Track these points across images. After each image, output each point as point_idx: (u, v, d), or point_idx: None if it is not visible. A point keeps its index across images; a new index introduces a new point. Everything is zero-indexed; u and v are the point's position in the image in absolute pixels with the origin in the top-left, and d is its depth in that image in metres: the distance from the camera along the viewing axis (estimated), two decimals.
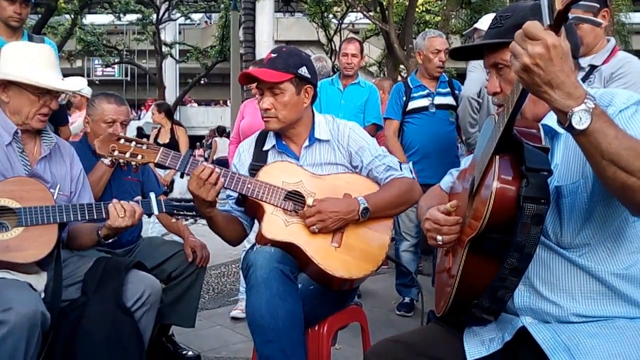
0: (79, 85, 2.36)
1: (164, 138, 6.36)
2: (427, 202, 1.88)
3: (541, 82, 1.12)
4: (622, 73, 2.70)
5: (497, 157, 1.31)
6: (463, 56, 1.65)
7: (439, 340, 1.55)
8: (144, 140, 2.14)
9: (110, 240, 2.29)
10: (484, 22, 3.64)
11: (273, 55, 2.19)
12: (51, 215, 2.12)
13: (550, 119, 1.43)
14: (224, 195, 2.34)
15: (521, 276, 1.32)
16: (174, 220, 3.05)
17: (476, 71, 3.56)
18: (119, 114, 2.83)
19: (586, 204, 1.36)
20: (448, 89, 4.06)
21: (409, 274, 3.90)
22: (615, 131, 1.14)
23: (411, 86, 4.07)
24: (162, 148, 2.11)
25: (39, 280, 2.13)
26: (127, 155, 2.06)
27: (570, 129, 1.12)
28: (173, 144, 6.18)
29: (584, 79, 2.64)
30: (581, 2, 1.06)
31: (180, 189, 5.99)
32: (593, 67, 2.69)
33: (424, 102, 4.00)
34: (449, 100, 4.01)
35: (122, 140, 2.08)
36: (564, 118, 1.13)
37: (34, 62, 2.25)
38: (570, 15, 1.10)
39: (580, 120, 1.11)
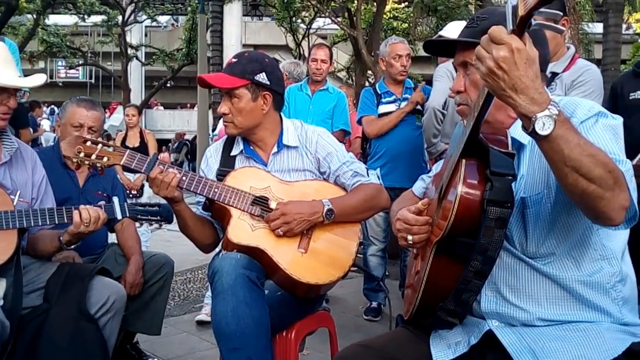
0: (37, 81, 2.28)
1: (134, 142, 6.32)
2: (400, 206, 1.89)
3: (505, 87, 1.13)
4: (582, 81, 2.76)
5: (464, 160, 1.33)
6: (436, 51, 1.70)
7: (406, 345, 1.55)
8: (111, 142, 2.11)
9: (72, 247, 2.24)
10: (449, 30, 3.68)
11: (234, 60, 2.19)
12: (10, 221, 2.07)
13: (515, 131, 1.45)
14: (194, 200, 2.32)
15: (485, 279, 1.34)
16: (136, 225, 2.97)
17: (442, 80, 3.58)
18: (87, 118, 2.77)
19: (549, 214, 1.39)
20: None
21: (377, 279, 3.92)
22: (577, 138, 1.15)
23: (379, 92, 4.12)
24: (128, 151, 2.09)
25: None
26: (93, 157, 2.04)
27: (533, 134, 1.14)
28: (143, 148, 6.17)
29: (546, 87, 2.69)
30: (543, 10, 1.07)
31: (150, 193, 5.92)
32: (554, 75, 2.75)
33: (391, 107, 4.04)
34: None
35: (88, 143, 2.05)
36: (528, 123, 1.14)
37: None
38: (533, 21, 1.11)
39: (544, 126, 1.12)
